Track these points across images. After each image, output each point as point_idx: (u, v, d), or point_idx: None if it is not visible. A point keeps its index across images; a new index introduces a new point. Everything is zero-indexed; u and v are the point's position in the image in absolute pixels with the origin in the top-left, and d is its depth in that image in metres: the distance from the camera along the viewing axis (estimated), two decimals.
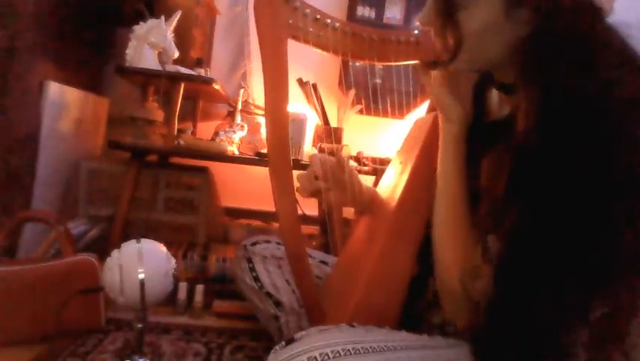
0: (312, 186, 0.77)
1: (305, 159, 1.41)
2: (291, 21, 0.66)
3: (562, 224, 0.46)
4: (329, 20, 0.68)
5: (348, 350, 0.45)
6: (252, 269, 0.93)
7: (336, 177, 0.79)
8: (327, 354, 0.44)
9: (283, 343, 0.48)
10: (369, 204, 0.82)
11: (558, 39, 0.50)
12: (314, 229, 1.66)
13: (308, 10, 0.66)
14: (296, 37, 0.67)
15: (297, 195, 0.69)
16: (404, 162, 0.76)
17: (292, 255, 0.68)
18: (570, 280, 0.47)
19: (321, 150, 1.52)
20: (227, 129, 1.46)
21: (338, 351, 0.45)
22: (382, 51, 0.71)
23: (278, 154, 0.66)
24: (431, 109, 0.79)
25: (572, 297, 0.47)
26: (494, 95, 0.68)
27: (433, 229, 0.62)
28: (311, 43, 0.67)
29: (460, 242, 0.58)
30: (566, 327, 0.48)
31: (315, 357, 0.44)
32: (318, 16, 0.67)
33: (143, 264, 0.78)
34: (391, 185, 0.78)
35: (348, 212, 1.03)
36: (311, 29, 0.67)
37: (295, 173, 0.74)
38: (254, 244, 0.97)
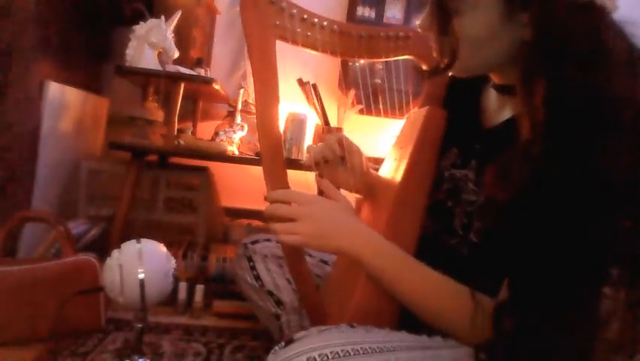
0: (316, 155, 0.76)
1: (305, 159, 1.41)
2: (277, 22, 0.66)
3: (575, 231, 0.47)
4: (316, 20, 0.68)
5: (348, 350, 0.45)
6: (253, 268, 0.93)
7: (341, 156, 0.78)
8: (326, 355, 0.44)
9: (282, 343, 0.48)
10: (373, 186, 0.81)
11: (562, 40, 0.50)
12: None
13: (295, 11, 0.66)
14: (283, 38, 0.67)
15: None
16: (399, 158, 0.76)
17: (289, 254, 0.68)
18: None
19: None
20: (227, 129, 1.46)
21: (337, 352, 0.45)
22: (371, 48, 0.71)
23: (270, 154, 0.66)
24: (423, 103, 0.79)
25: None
26: (492, 98, 0.68)
27: (414, 309, 0.59)
28: (299, 44, 0.67)
29: (445, 295, 0.57)
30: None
31: (315, 358, 0.44)
32: (305, 16, 0.67)
33: (143, 264, 0.78)
34: (386, 182, 0.78)
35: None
36: (298, 29, 0.67)
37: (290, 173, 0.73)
38: (254, 242, 0.97)
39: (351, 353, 0.45)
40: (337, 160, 0.78)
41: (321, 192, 0.71)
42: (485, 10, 0.54)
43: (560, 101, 0.49)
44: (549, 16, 0.50)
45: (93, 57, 1.64)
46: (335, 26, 0.68)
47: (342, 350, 0.45)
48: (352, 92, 1.58)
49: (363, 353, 0.46)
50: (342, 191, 0.80)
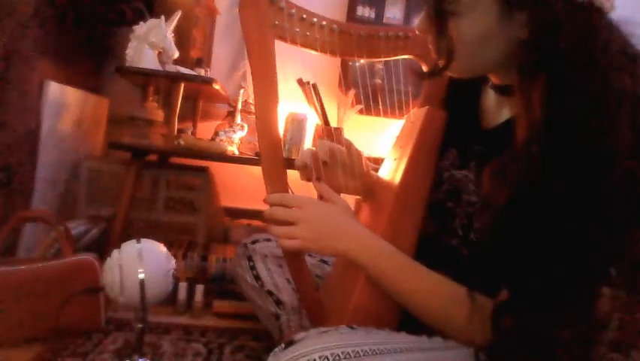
0: (304, 159, 0.75)
1: None
2: (277, 22, 0.65)
3: (574, 232, 0.47)
4: (315, 19, 0.67)
5: (348, 353, 0.45)
6: (253, 268, 0.93)
7: (342, 160, 0.78)
8: (326, 357, 0.44)
9: (283, 345, 0.48)
10: (372, 187, 0.81)
11: (560, 40, 0.50)
12: None
13: (293, 10, 0.66)
14: (282, 38, 0.67)
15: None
16: (398, 158, 0.76)
17: (288, 255, 0.68)
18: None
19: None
20: (227, 129, 1.46)
21: (338, 354, 0.45)
22: (371, 47, 0.71)
23: (269, 155, 0.66)
24: (423, 103, 0.79)
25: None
26: (491, 99, 0.68)
27: (413, 310, 0.59)
28: (298, 44, 0.67)
29: (443, 295, 0.57)
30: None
31: (315, 360, 0.44)
32: (304, 16, 0.67)
33: (143, 264, 0.78)
34: (386, 182, 0.78)
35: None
36: (297, 29, 0.67)
37: (290, 173, 0.73)
38: (254, 242, 0.97)
39: (352, 355, 0.45)
40: (337, 163, 0.78)
41: (321, 196, 0.71)
42: (483, 11, 0.54)
43: (558, 101, 0.49)
44: (546, 16, 0.50)
45: (93, 57, 1.64)
46: (334, 26, 0.68)
47: (342, 352, 0.45)
48: (352, 92, 1.58)
49: (364, 355, 0.46)
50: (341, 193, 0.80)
